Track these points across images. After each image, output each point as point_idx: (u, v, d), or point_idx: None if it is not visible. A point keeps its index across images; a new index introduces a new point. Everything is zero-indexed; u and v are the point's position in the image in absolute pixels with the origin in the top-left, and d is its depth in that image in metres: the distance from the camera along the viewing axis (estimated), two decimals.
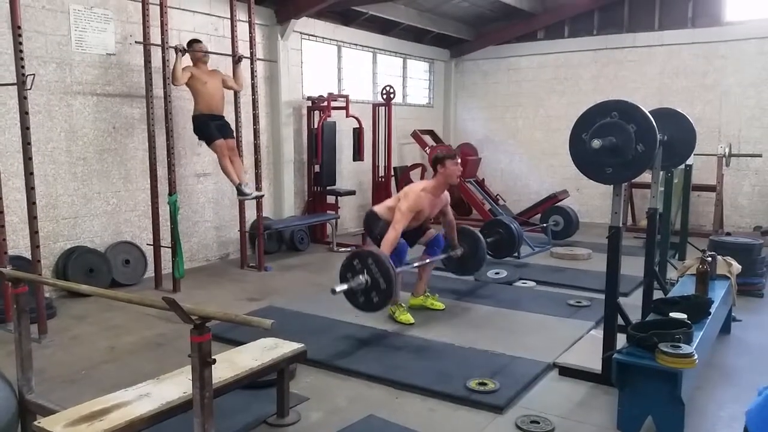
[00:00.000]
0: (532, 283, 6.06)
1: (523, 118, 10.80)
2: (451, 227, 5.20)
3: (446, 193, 4.98)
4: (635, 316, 4.04)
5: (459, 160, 4.82)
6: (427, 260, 5.11)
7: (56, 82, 5.55)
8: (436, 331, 4.55)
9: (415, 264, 5.12)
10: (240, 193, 6.26)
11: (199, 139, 6.18)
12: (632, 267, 5.22)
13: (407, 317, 4.75)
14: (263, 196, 6.83)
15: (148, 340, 4.43)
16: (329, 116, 8.11)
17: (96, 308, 5.14)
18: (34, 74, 4.36)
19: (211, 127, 5.95)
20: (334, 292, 4.13)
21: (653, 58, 9.50)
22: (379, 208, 4.99)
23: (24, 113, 4.23)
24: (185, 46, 5.78)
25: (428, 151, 9.50)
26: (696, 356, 2.81)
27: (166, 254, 5.93)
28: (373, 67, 9.92)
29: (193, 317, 2.15)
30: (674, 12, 9.33)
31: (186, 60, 5.79)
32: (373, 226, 4.90)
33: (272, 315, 4.73)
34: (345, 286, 4.16)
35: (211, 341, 2.22)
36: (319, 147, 8.03)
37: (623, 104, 3.27)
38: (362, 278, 4.14)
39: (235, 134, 6.34)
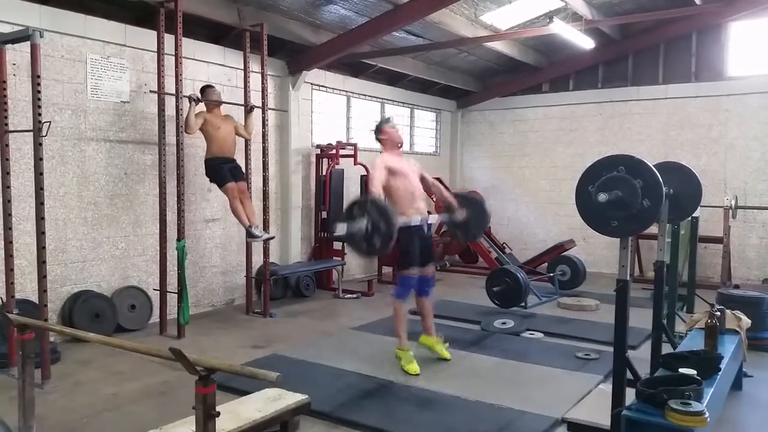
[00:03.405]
0: (539, 334, 6.00)
1: (530, 167, 10.89)
2: (438, 188, 5.37)
3: (413, 161, 5.22)
4: (644, 370, 3.97)
5: (394, 124, 5.11)
6: (432, 220, 5.15)
7: (71, 129, 5.67)
8: (442, 383, 4.49)
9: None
10: (249, 234, 6.31)
11: (211, 181, 6.25)
12: (640, 319, 5.16)
13: (413, 368, 4.70)
14: (273, 237, 6.85)
15: (151, 388, 4.38)
16: (337, 164, 8.22)
17: (100, 353, 5.11)
18: (50, 122, 4.44)
19: (223, 170, 6.05)
20: (334, 231, 4.35)
21: (658, 110, 9.62)
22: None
23: (38, 159, 4.29)
24: (199, 95, 5.92)
25: (434, 199, 9.55)
26: (707, 414, 2.76)
27: (172, 300, 5.93)
28: (381, 116, 10.10)
29: (199, 368, 2.15)
30: (678, 66, 9.49)
31: (199, 105, 5.93)
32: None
33: (276, 363, 4.73)
34: (345, 225, 4.30)
35: (216, 392, 2.20)
36: (327, 194, 8.12)
37: (630, 159, 3.29)
38: (363, 222, 4.26)
39: (245, 177, 6.43)
